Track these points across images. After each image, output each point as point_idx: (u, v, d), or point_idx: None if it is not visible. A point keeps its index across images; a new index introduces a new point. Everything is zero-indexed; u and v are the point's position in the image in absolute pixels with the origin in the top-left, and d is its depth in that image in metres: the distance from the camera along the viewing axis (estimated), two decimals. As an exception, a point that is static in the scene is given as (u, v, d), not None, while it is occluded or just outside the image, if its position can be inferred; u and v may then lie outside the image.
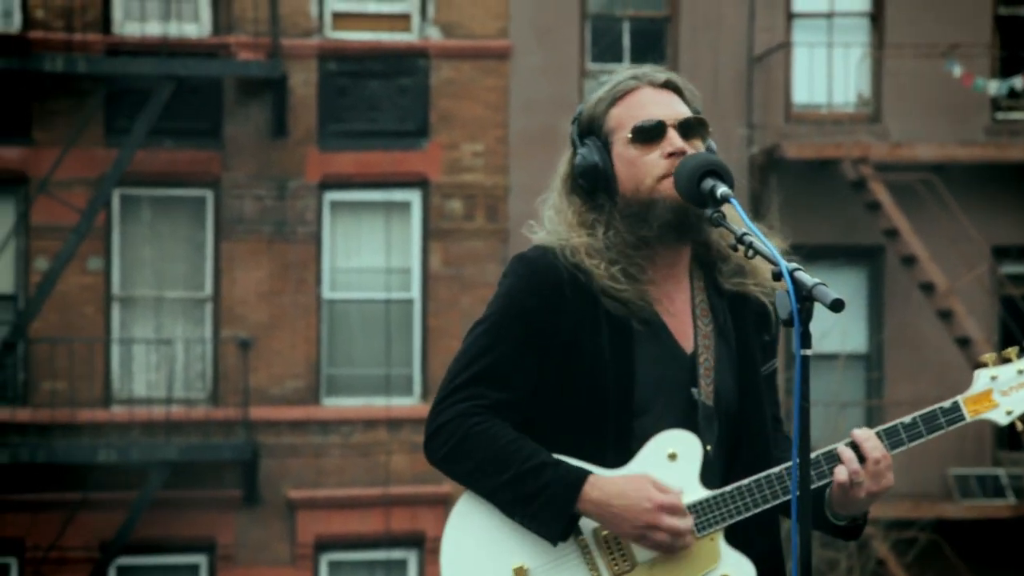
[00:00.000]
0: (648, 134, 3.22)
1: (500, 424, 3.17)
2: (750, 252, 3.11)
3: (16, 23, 16.53)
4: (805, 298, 2.93)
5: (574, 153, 3.30)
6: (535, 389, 3.20)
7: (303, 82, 16.92)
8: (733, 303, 3.31)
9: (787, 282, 2.94)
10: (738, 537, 3.19)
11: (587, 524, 3.14)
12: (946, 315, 17.26)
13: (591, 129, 3.29)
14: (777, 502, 3.16)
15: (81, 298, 16.61)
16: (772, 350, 3.35)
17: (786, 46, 17.76)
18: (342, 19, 17.21)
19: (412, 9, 17.28)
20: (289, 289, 16.89)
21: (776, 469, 3.17)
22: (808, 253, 17.63)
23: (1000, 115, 18.14)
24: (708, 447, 3.18)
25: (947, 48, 17.51)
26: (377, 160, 17.00)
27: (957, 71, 17.27)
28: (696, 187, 3.21)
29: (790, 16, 17.91)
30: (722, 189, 3.19)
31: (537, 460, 3.12)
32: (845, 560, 16.60)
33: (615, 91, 3.27)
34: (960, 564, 17.07)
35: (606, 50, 17.81)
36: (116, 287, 16.85)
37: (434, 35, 17.18)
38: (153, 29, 16.62)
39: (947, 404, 3.22)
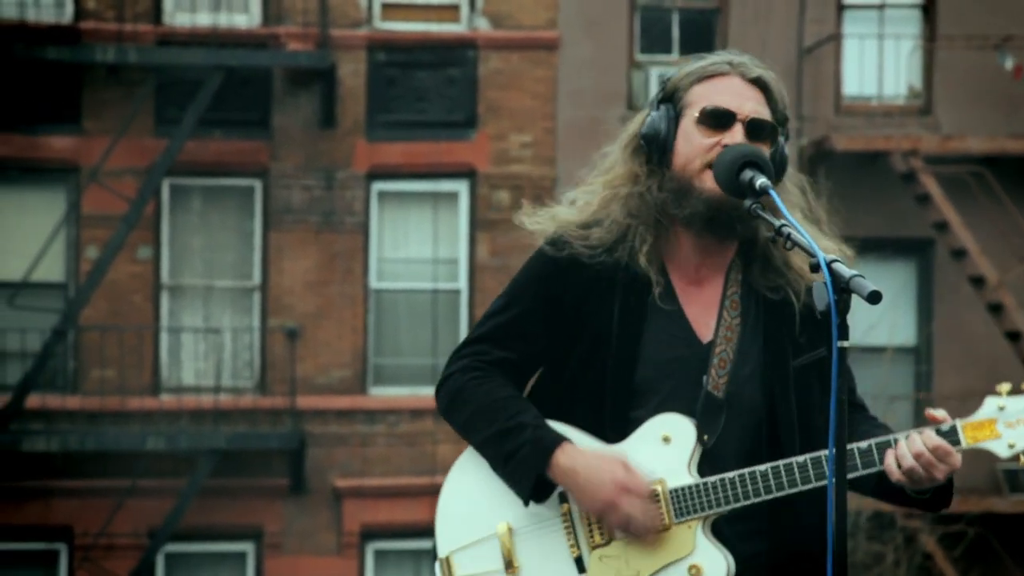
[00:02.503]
0: (715, 120, 3.22)
1: (498, 380, 3.21)
2: (788, 243, 3.11)
3: (68, 14, 16.64)
4: (842, 290, 2.92)
5: (649, 112, 3.31)
6: (542, 355, 3.24)
7: (352, 73, 16.96)
8: (772, 301, 3.29)
9: (824, 273, 2.94)
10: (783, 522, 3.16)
11: (566, 489, 3.17)
12: (996, 309, 17.15)
13: (670, 98, 3.29)
14: (761, 499, 3.13)
15: (130, 287, 16.72)
16: (810, 338, 3.28)
17: (836, 38, 17.67)
18: (391, 10, 17.24)
19: (461, 0, 17.29)
20: (336, 279, 16.95)
21: (763, 467, 3.14)
22: (857, 246, 17.38)
23: (1052, 107, 18.01)
24: (705, 436, 3.17)
25: (999, 40, 17.38)
26: (425, 151, 17.03)
27: (1009, 63, 17.15)
28: (735, 178, 3.20)
29: (840, 7, 17.82)
30: (761, 180, 3.18)
31: (520, 419, 3.15)
32: (892, 554, 16.54)
33: (706, 70, 3.27)
34: (1008, 559, 16.97)
35: (655, 41, 17.77)
36: (165, 276, 16.95)
37: (483, 26, 17.19)
38: (203, 20, 16.70)
39: (946, 427, 3.17)
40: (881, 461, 3.14)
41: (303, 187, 16.95)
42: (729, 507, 3.14)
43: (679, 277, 3.27)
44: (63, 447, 15.99)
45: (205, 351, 16.87)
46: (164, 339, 16.85)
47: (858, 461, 3.16)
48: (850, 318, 2.92)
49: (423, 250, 17.14)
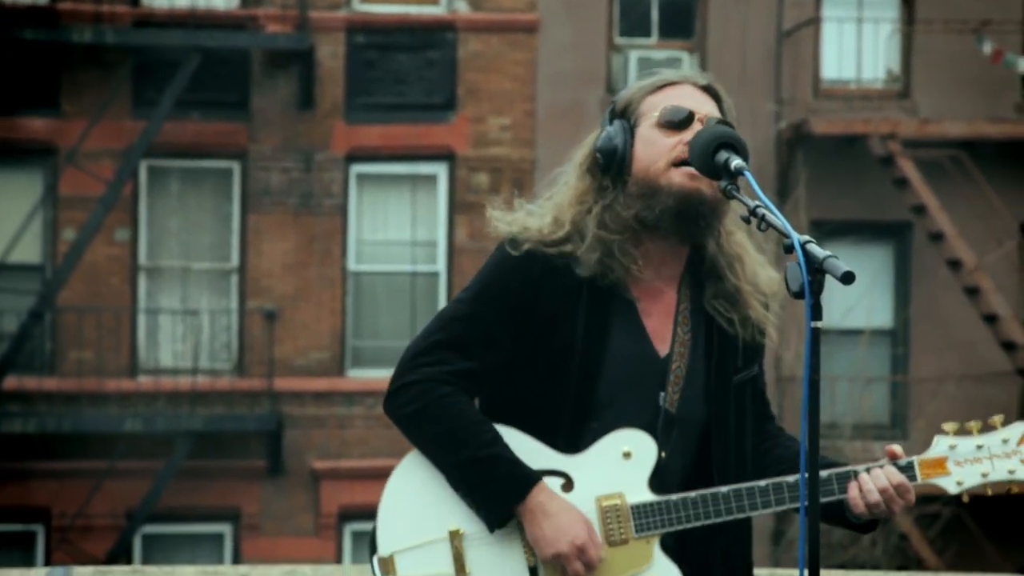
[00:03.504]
0: (675, 120, 3.25)
1: (466, 400, 3.21)
2: (762, 224, 3.13)
3: (45, -6, 16.59)
4: (816, 270, 2.96)
5: (600, 134, 3.34)
6: (505, 363, 3.23)
7: (331, 55, 16.93)
8: (717, 318, 3.32)
9: (798, 254, 2.96)
10: (712, 544, 3.24)
11: (525, 523, 3.18)
12: (973, 292, 17.21)
13: (623, 113, 3.32)
14: (719, 519, 3.19)
15: (108, 268, 16.69)
16: (748, 357, 3.35)
17: (815, 21, 17.69)
18: (370, -9, 17.21)
19: (440, -18, 17.27)
20: (315, 261, 16.94)
21: (724, 488, 3.20)
22: (835, 229, 17.64)
23: (1030, 91, 18.06)
24: (663, 453, 3.22)
25: (978, 24, 17.42)
26: (404, 133, 17.01)
27: (987, 48, 17.19)
28: (710, 159, 3.22)
29: (819, -9, 17.85)
30: (736, 161, 3.20)
31: (493, 450, 3.17)
32: (868, 534, 16.61)
33: (657, 82, 3.32)
34: (983, 539, 17.05)
35: (634, 25, 17.77)
36: (143, 258, 16.92)
37: (462, 8, 17.16)
38: (181, 1, 16.64)
39: (903, 462, 3.26)
40: (841, 491, 3.21)
41: (281, 169, 16.93)
42: (689, 525, 3.19)
43: (639, 289, 3.30)
44: (40, 429, 15.97)
45: (183, 333, 16.85)
46: (142, 321, 16.83)
47: (834, 487, 3.24)
48: (827, 301, 2.95)
49: (402, 233, 17.13)
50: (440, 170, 17.15)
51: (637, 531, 3.18)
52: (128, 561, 16.19)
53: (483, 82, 17.10)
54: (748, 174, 3.19)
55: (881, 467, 3.23)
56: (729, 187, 3.20)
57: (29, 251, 16.64)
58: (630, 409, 3.22)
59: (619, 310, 3.25)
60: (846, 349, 16.64)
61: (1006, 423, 3.20)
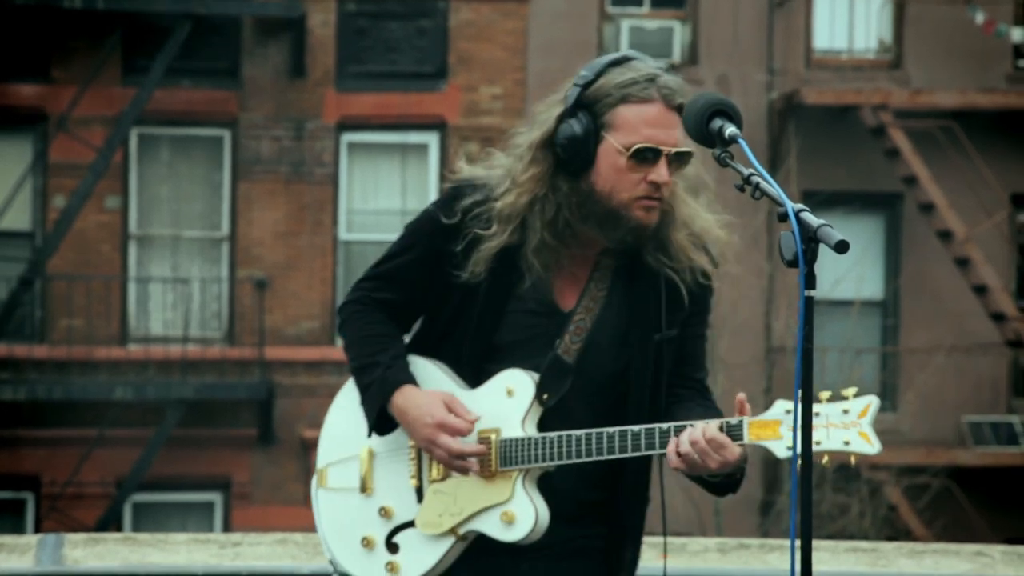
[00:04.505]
0: (646, 158, 3.26)
1: (377, 315, 3.41)
2: (756, 193, 3.13)
3: (35, -40, 16.51)
4: (810, 239, 2.96)
5: (565, 115, 3.32)
6: (421, 302, 3.42)
7: (322, 23, 16.88)
8: (640, 272, 3.36)
9: (792, 223, 2.96)
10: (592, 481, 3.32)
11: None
12: (963, 263, 17.24)
13: (591, 106, 3.30)
14: (583, 460, 3.26)
15: (98, 236, 16.66)
16: (679, 317, 3.39)
17: (807, -9, 17.67)
18: (361, -41, 17.15)
19: (431, -50, 17.22)
20: (305, 230, 16.92)
21: (580, 432, 3.26)
22: (826, 199, 17.62)
23: (1022, 62, 18.05)
24: (545, 396, 3.29)
25: (969, -6, 17.41)
26: (395, 102, 16.98)
27: (979, 18, 17.17)
28: (704, 126, 3.22)
29: (811, -40, 17.81)
30: (730, 129, 3.20)
31: (377, 357, 3.36)
32: (857, 505, 16.66)
33: (632, 90, 3.27)
34: (972, 510, 17.12)
35: (626, -7, 17.73)
36: (133, 225, 16.89)
37: (453, -24, 17.12)
38: (172, -33, 16.58)
39: (734, 421, 3.23)
40: (662, 445, 3.24)
41: (272, 137, 16.89)
42: (552, 463, 3.26)
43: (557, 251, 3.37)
44: (30, 396, 15.96)
45: (173, 301, 16.83)
46: (132, 289, 16.81)
47: (656, 440, 3.26)
48: (817, 271, 2.95)
49: (392, 202, 17.11)
50: (431, 139, 17.12)
51: (502, 464, 3.30)
52: (118, 529, 16.22)
53: (474, 51, 17.07)
54: (742, 142, 3.19)
55: (706, 423, 3.22)
56: (723, 155, 3.20)
57: (19, 218, 16.61)
58: (525, 356, 3.32)
59: (529, 267, 3.36)
60: (836, 320, 16.66)
61: (859, 395, 3.19)
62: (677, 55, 17.52)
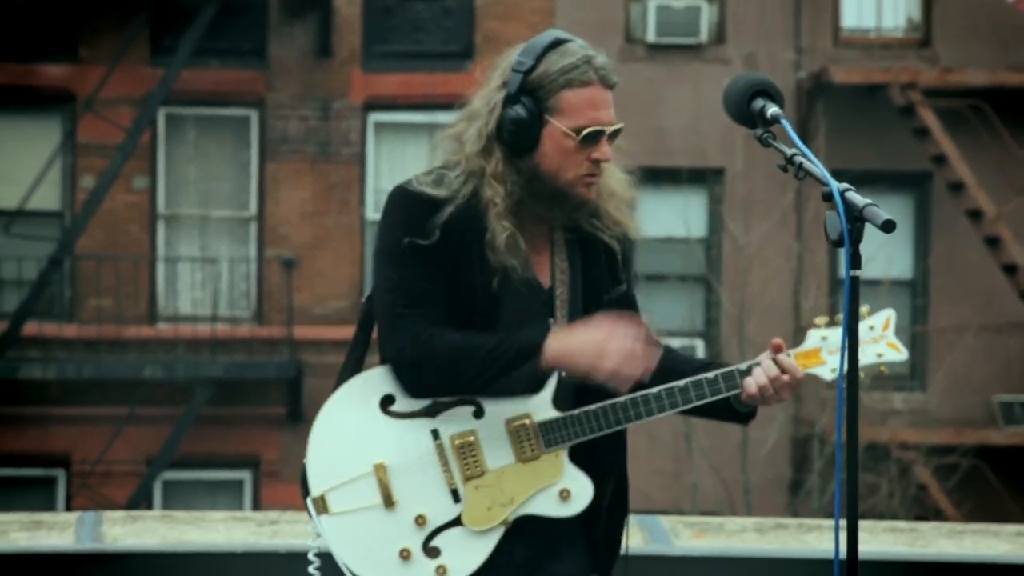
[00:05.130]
0: (591, 139, 3.35)
1: (446, 329, 3.34)
2: (800, 173, 3.13)
3: (63, -60, 16.53)
4: (856, 219, 2.96)
5: (508, 101, 3.37)
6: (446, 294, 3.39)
7: (348, 2, 16.87)
8: (584, 240, 3.46)
9: (837, 202, 2.96)
10: (585, 455, 3.38)
11: (445, 430, 3.33)
12: (993, 242, 17.17)
13: (534, 91, 3.36)
14: (620, 427, 3.36)
15: (127, 216, 16.70)
16: (619, 279, 3.50)
17: (835, -31, 17.59)
18: (388, -62, 17.13)
19: (458, -71, 17.19)
20: (333, 210, 16.94)
21: (623, 398, 3.34)
22: (854, 178, 17.36)
23: (1051, 40, 17.95)
24: (563, 372, 3.35)
25: (999, -28, 17.31)
26: (421, 81, 16.97)
27: (1009, -5, 17.09)
28: (746, 107, 3.25)
29: (840, -62, 17.73)
30: (772, 109, 3.22)
31: (498, 336, 3.32)
32: (886, 485, 16.64)
33: (573, 75, 3.35)
34: (1002, 490, 17.07)
35: (653, -28, 17.67)
36: (161, 205, 16.93)
37: (480, -45, 17.10)
38: (199, -53, 16.59)
39: (782, 356, 3.40)
40: (729, 388, 3.36)
41: (299, 117, 16.91)
42: (592, 435, 3.35)
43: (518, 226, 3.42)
44: (60, 375, 16.03)
45: (202, 280, 16.88)
46: (160, 268, 16.86)
47: (706, 391, 3.37)
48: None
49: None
50: (458, 118, 17.10)
51: (547, 446, 3.34)
52: (148, 507, 16.29)
53: (500, 30, 17.04)
54: (785, 122, 3.20)
55: (759, 364, 3.39)
56: (765, 135, 3.21)
57: (48, 198, 16.66)
58: None
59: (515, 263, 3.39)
60: (865, 299, 16.55)
61: (873, 312, 3.44)
62: (704, 34, 17.47)
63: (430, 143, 3.57)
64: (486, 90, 3.42)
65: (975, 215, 17.21)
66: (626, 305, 3.49)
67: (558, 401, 3.35)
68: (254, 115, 17.00)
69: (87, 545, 4.57)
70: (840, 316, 3.34)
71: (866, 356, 3.40)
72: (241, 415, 16.56)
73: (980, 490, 17.08)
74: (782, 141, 3.21)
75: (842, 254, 2.98)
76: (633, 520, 4.85)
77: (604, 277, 3.46)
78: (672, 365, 3.43)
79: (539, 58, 3.38)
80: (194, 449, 16.27)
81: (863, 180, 16.87)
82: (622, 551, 3.47)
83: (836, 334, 3.42)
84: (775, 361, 3.35)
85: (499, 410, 3.33)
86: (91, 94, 16.28)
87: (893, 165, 17.57)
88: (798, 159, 3.13)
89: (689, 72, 17.35)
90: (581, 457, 3.38)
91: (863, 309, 3.38)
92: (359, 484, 3.36)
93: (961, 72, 17.34)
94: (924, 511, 16.81)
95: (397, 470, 3.34)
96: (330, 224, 16.93)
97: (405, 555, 3.32)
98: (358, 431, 3.38)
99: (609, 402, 3.33)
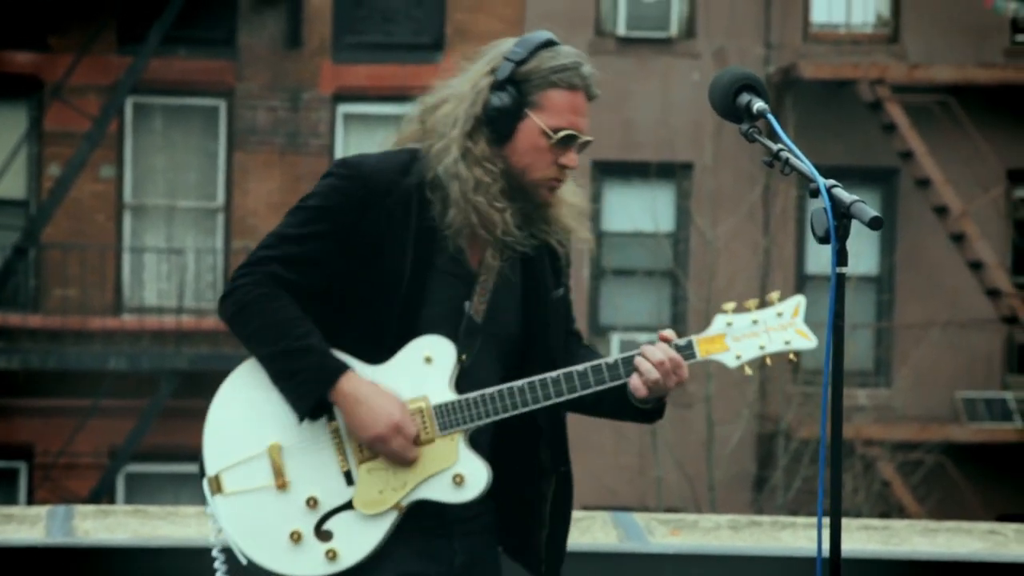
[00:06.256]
0: (566, 142, 3.36)
1: (286, 299, 3.32)
2: (786, 168, 3.12)
3: (30, -73, 16.42)
4: (842, 215, 2.95)
5: (495, 86, 3.37)
6: (330, 281, 3.35)
7: (318, -8, 16.81)
8: (532, 242, 3.43)
9: (824, 199, 2.94)
10: (523, 453, 3.38)
11: (341, 413, 3.31)
12: (959, 238, 17.23)
13: (521, 83, 3.37)
14: (518, 411, 3.32)
15: (93, 205, 16.60)
16: (563, 277, 3.50)
17: (805, -36, 17.61)
18: (358, -71, 17.07)
19: (429, -80, 17.14)
20: (301, 201, 16.87)
21: (520, 382, 3.33)
22: (823, 173, 17.50)
23: (1019, 37, 18.02)
24: (463, 356, 3.34)
25: (968, -31, 17.36)
26: (391, 73, 16.92)
27: (977, -7, 17.14)
28: (731, 102, 3.23)
29: (810, -66, 17.75)
30: (758, 104, 3.21)
31: (307, 341, 3.28)
32: (851, 481, 16.69)
33: (562, 76, 3.37)
34: (966, 486, 17.15)
35: (623, -35, 17.66)
36: (128, 195, 16.84)
37: (450, -53, 17.05)
38: (167, -64, 16.50)
39: (683, 342, 3.38)
40: (628, 373, 3.34)
41: (268, 108, 16.83)
42: (488, 419, 3.32)
43: None
44: (24, 365, 15.92)
45: (168, 271, 16.79)
46: (127, 259, 16.76)
47: (606, 375, 3.34)
48: (813, 246, 2.97)
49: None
50: (427, 110, 17.06)
51: (441, 429, 3.31)
52: (111, 500, 16.20)
53: (471, 22, 17.00)
54: (771, 117, 3.19)
55: (655, 345, 3.36)
56: (750, 130, 3.20)
57: (14, 186, 16.55)
58: (442, 321, 3.35)
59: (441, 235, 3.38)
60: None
61: (783, 299, 3.40)
62: (675, 28, 17.47)
63: (400, 121, 3.53)
64: (471, 74, 3.41)
65: (941, 211, 17.27)
66: (563, 308, 3.49)
67: (461, 386, 3.32)
68: (223, 105, 16.91)
69: (58, 539, 4.52)
70: (749, 302, 3.38)
71: (774, 343, 3.36)
72: (206, 408, 16.38)
73: (944, 486, 17.15)
74: (767, 136, 3.19)
75: (813, 249, 2.97)
76: (606, 517, 4.83)
77: (547, 276, 3.45)
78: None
79: (532, 53, 3.38)
80: (158, 442, 16.19)
81: (831, 175, 16.67)
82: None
83: (742, 320, 3.38)
84: (659, 348, 3.32)
85: (396, 392, 3.30)
86: (59, 82, 16.18)
87: (861, 160, 17.62)
88: (784, 154, 3.12)
89: (659, 66, 17.35)
90: (515, 455, 3.37)
91: (773, 295, 3.38)
92: (253, 464, 3.33)
93: (929, 68, 17.39)
94: (888, 507, 16.87)
95: (291, 451, 3.31)
96: (297, 215, 16.86)
97: (296, 537, 3.29)
98: (254, 411, 3.35)
99: (506, 385, 3.31)
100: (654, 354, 3.31)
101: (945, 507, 16.71)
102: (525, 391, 3.31)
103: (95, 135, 15.88)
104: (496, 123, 3.35)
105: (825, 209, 2.94)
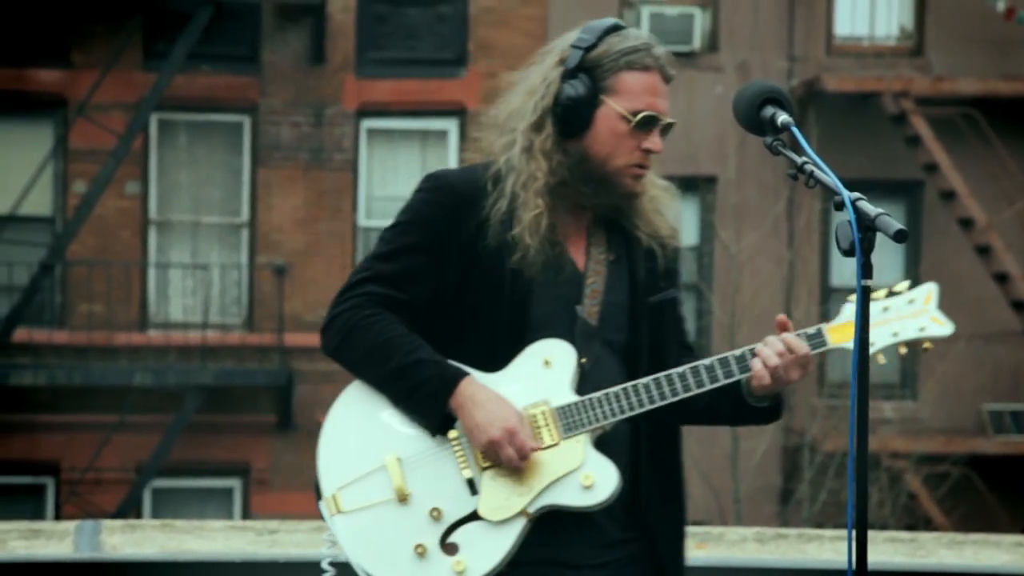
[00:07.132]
0: (647, 125, 3.29)
1: (390, 317, 3.26)
2: (811, 181, 3.12)
3: (55, -55, 16.50)
4: (867, 228, 2.95)
5: (565, 76, 3.32)
6: (432, 297, 3.30)
7: (342, 8, 16.86)
8: (628, 237, 3.39)
9: (849, 212, 2.94)
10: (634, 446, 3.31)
11: (460, 419, 3.24)
12: (984, 250, 17.19)
13: (592, 69, 3.31)
14: (642, 410, 3.25)
15: (118, 222, 16.66)
16: (666, 282, 3.44)
17: (828, -23, 17.61)
18: (381, -55, 17.12)
19: (451, -64, 17.18)
20: (325, 216, 16.91)
21: (645, 379, 3.26)
22: (847, 186, 17.48)
23: (1043, 50, 17.98)
24: (583, 360, 3.28)
25: (991, -19, 17.34)
26: (414, 88, 16.96)
27: (1000, 5, 17.11)
28: (756, 114, 3.23)
29: (833, -53, 17.75)
30: (783, 117, 3.22)
31: (419, 355, 3.23)
32: (876, 493, 16.64)
33: (634, 57, 3.30)
34: (992, 499, 17.08)
35: (646, -21, 17.68)
36: (153, 211, 16.89)
37: (473, -38, 17.09)
38: (192, -47, 16.57)
39: (812, 330, 3.31)
40: (742, 371, 3.28)
41: (292, 124, 16.88)
42: (615, 419, 3.24)
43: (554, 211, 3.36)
44: (50, 381, 15.97)
45: (193, 287, 16.84)
46: (152, 275, 16.82)
47: (734, 368, 3.28)
48: (837, 259, 2.97)
49: (411, 188, 17.01)
50: (451, 126, 17.10)
51: (565, 431, 3.23)
52: (138, 515, 16.24)
53: (494, 37, 17.04)
54: (795, 129, 3.20)
55: (784, 336, 3.29)
56: (775, 143, 3.20)
57: (39, 203, 16.62)
58: (555, 324, 3.28)
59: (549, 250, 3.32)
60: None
61: (912, 287, 3.33)
62: (697, 42, 17.48)
63: (474, 126, 3.52)
64: (541, 67, 3.36)
65: (966, 224, 17.23)
66: (671, 311, 3.42)
67: (582, 387, 3.25)
68: (247, 121, 16.97)
69: (86, 554, 4.54)
70: (878, 292, 3.30)
71: (908, 330, 3.30)
72: (231, 423, 16.52)
73: (970, 499, 17.09)
74: (791, 149, 3.20)
75: (838, 262, 2.97)
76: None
77: (649, 279, 3.39)
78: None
79: (600, 38, 3.32)
80: (184, 457, 16.22)
81: (855, 188, 16.77)
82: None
83: (873, 308, 3.29)
84: (780, 338, 3.26)
85: (515, 398, 3.22)
86: (83, 99, 16.25)
87: (885, 173, 17.58)
88: (808, 167, 3.13)
89: (682, 79, 17.28)
90: (657, 473, 3.28)
91: (902, 284, 3.31)
92: (371, 480, 3.24)
93: (953, 81, 17.36)
94: (914, 520, 16.81)
95: (411, 463, 3.22)
96: (322, 231, 16.90)
97: (420, 551, 3.19)
98: (368, 427, 3.27)
99: (629, 384, 3.24)
100: (774, 344, 3.26)
101: (971, 520, 16.64)
102: (651, 387, 3.24)
103: (120, 152, 15.94)
104: (571, 113, 3.28)
105: (850, 222, 2.94)
